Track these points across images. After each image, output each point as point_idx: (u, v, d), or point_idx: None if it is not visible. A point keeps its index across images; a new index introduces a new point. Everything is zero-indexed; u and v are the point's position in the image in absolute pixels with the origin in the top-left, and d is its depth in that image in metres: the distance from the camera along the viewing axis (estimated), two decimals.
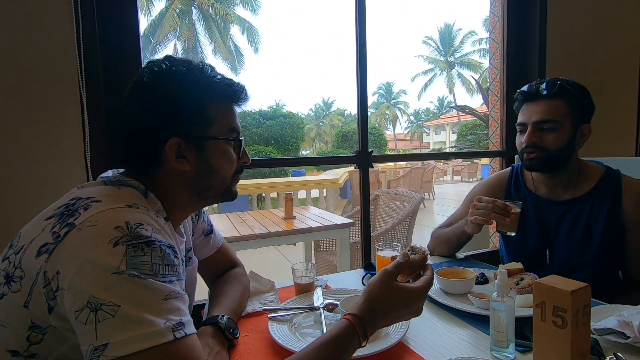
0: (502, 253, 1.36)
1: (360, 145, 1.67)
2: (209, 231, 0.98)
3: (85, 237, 0.54)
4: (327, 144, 37.63)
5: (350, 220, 2.81)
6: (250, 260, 4.35)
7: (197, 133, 0.68)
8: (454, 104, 36.51)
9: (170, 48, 21.48)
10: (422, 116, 44.78)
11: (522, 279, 0.96)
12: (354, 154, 1.68)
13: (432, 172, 10.41)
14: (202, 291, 0.99)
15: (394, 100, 43.22)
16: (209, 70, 0.70)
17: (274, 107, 30.88)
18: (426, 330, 0.83)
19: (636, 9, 2.11)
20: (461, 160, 17.42)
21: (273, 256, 4.80)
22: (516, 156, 1.20)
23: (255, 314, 0.92)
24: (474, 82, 30.07)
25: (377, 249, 1.06)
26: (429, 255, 0.76)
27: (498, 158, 2.29)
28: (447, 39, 35.75)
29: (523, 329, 0.77)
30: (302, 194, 6.92)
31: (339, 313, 0.84)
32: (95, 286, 0.51)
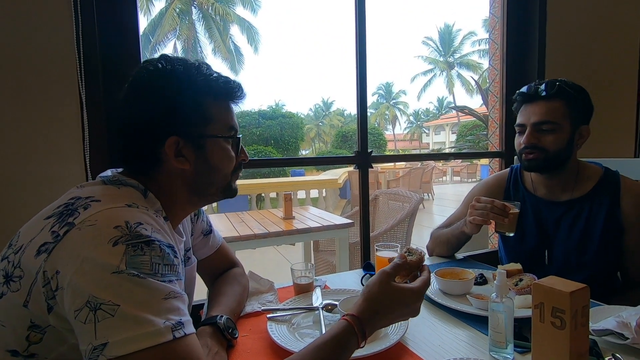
0: (501, 254, 1.36)
1: (359, 145, 1.67)
2: (208, 231, 0.98)
3: (84, 237, 0.54)
4: (326, 144, 37.63)
5: (349, 221, 2.81)
6: (249, 260, 4.35)
7: (195, 131, 0.69)
8: (453, 105, 36.50)
9: (170, 48, 21.51)
10: (422, 116, 44.82)
11: (521, 280, 0.96)
12: (353, 154, 1.69)
13: (431, 173, 10.41)
14: (201, 291, 0.99)
15: (394, 101, 43.25)
16: (205, 69, 0.70)
17: (274, 107, 30.87)
18: (425, 331, 0.84)
19: (636, 10, 2.11)
20: (460, 160, 17.43)
21: (272, 256, 4.80)
22: (515, 157, 1.21)
23: (254, 314, 0.92)
24: (473, 83, 30.09)
25: (376, 250, 1.06)
26: (425, 257, 0.76)
27: (497, 159, 2.30)
28: (446, 39, 35.78)
29: (522, 330, 0.77)
30: (301, 194, 6.93)
31: (338, 313, 0.84)
32: (95, 285, 0.51)
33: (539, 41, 1.89)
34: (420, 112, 45.27)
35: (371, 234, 2.06)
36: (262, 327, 0.84)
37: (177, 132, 0.67)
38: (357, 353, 0.67)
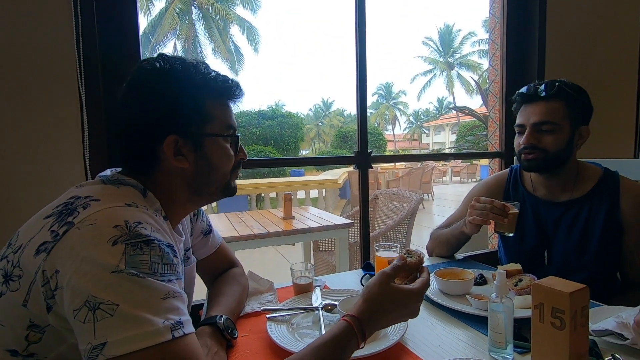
0: (500, 254, 1.36)
1: (359, 145, 1.67)
2: (208, 231, 0.98)
3: (84, 236, 0.54)
4: (326, 144, 37.64)
5: (349, 221, 2.81)
6: (249, 260, 4.35)
7: (194, 130, 0.69)
8: (453, 105, 36.53)
9: (170, 47, 21.51)
10: (422, 117, 44.84)
11: (520, 280, 0.96)
12: (353, 155, 1.69)
13: (431, 173, 10.41)
14: (200, 291, 0.99)
15: (394, 101, 43.27)
16: (204, 68, 0.70)
17: (274, 107, 30.89)
18: (425, 331, 0.84)
19: (636, 10, 2.12)
20: (460, 161, 17.42)
21: (272, 256, 4.79)
22: (515, 157, 1.21)
23: (253, 314, 0.92)
24: (473, 83, 30.12)
25: (376, 250, 1.06)
26: (424, 259, 0.77)
27: (497, 159, 2.30)
28: (446, 39, 35.81)
29: (521, 330, 0.77)
30: (301, 194, 6.93)
31: (338, 313, 0.84)
32: (94, 285, 0.51)
33: (539, 41, 1.89)
34: (420, 113, 45.31)
35: (371, 234, 2.06)
36: (261, 327, 0.84)
37: (176, 131, 0.67)
38: (357, 353, 0.67)
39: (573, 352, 0.61)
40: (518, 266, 1.04)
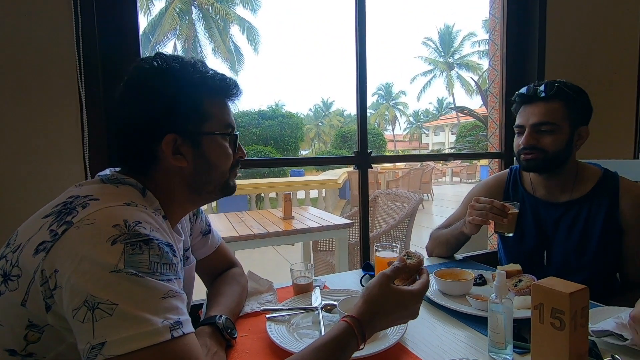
0: (500, 254, 1.37)
1: (359, 145, 1.67)
2: (207, 231, 0.98)
3: (83, 235, 0.54)
4: (326, 144, 37.65)
5: (349, 221, 2.80)
6: (248, 260, 4.35)
7: (192, 129, 0.69)
8: (453, 105, 36.57)
9: (170, 47, 21.52)
10: (422, 117, 44.86)
11: (520, 281, 0.96)
12: (353, 155, 1.68)
13: (431, 173, 10.42)
14: (200, 291, 0.98)
15: (394, 101, 43.30)
16: (201, 66, 0.70)
17: (274, 107, 30.89)
18: (424, 332, 0.83)
19: (636, 10, 2.12)
20: (460, 161, 17.42)
21: (271, 256, 4.79)
22: (514, 158, 1.21)
23: (253, 314, 0.92)
24: (473, 84, 30.14)
25: (376, 250, 1.06)
26: (424, 260, 0.77)
27: (497, 159, 2.30)
28: (446, 40, 35.83)
29: (521, 331, 0.77)
30: (301, 194, 6.93)
31: (337, 314, 0.84)
32: (93, 284, 0.51)
33: (539, 42, 1.89)
34: (420, 113, 45.33)
35: (370, 235, 2.06)
36: (261, 327, 0.84)
37: (174, 130, 0.67)
38: (357, 354, 0.67)
39: (573, 352, 0.61)
40: (518, 267, 1.04)
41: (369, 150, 1.67)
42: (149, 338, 0.50)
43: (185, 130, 0.68)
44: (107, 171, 0.71)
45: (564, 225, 1.16)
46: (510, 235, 1.11)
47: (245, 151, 0.79)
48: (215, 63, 23.04)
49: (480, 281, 1.08)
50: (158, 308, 0.52)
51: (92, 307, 0.50)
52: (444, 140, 38.22)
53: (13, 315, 0.57)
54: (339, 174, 7.86)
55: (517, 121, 1.16)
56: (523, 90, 1.15)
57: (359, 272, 1.23)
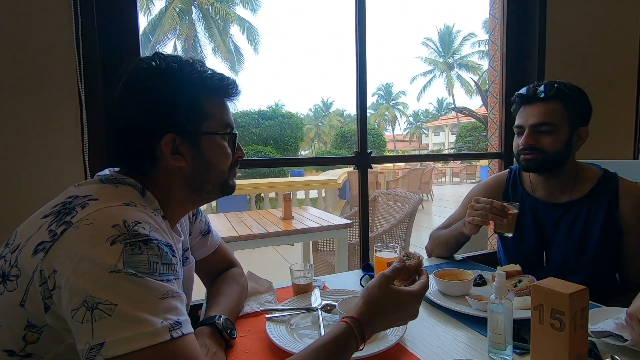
0: (500, 255, 1.36)
1: (359, 145, 1.67)
2: (207, 231, 0.97)
3: (82, 235, 0.54)
4: (326, 144, 37.66)
5: (348, 221, 2.80)
6: (248, 260, 4.35)
7: (191, 128, 0.69)
8: (453, 106, 36.60)
9: (169, 47, 21.52)
10: (421, 117, 44.87)
11: (520, 281, 0.96)
12: (353, 155, 1.68)
13: (430, 174, 10.42)
14: (199, 291, 0.98)
15: (393, 101, 43.31)
16: (200, 66, 0.70)
17: (273, 107, 30.88)
18: (424, 332, 0.83)
19: (635, 11, 2.12)
20: (460, 161, 17.43)
21: (271, 256, 4.79)
22: (514, 158, 1.22)
23: (252, 314, 0.92)
24: (473, 84, 30.16)
25: (375, 250, 1.06)
26: (423, 261, 0.77)
27: (497, 160, 2.30)
28: (446, 40, 35.85)
29: (521, 331, 0.77)
30: (300, 195, 6.93)
31: (337, 314, 0.84)
32: (92, 285, 0.50)
33: (538, 42, 1.89)
34: (419, 113, 45.33)
35: (370, 235, 2.06)
36: (260, 328, 0.84)
37: (173, 130, 0.67)
38: (356, 354, 0.67)
39: (572, 353, 0.61)
40: (517, 267, 1.04)
41: (368, 151, 1.67)
42: (148, 338, 0.50)
43: (184, 130, 0.68)
44: (106, 171, 0.71)
45: (564, 225, 1.16)
46: (510, 235, 1.11)
47: (244, 151, 0.79)
48: (215, 63, 23.06)
49: (480, 282, 1.07)
50: (157, 308, 0.52)
51: (91, 307, 0.50)
52: (444, 140, 38.23)
53: (12, 316, 0.57)
54: (339, 174, 7.86)
55: (517, 122, 1.16)
56: (523, 90, 1.15)
57: (358, 273, 1.23)
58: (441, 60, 36.46)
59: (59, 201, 0.61)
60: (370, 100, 43.66)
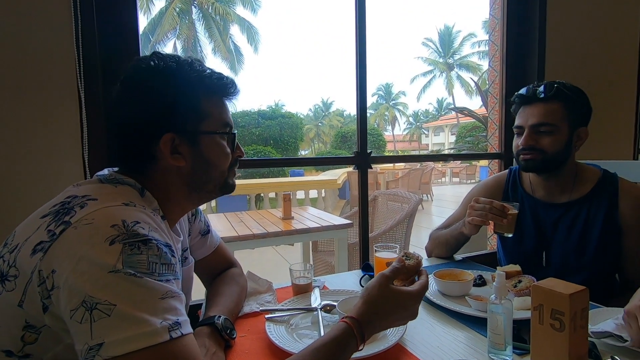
0: (499, 255, 1.36)
1: (359, 146, 1.67)
2: (206, 231, 0.97)
3: (81, 236, 0.54)
4: (326, 144, 37.67)
5: (348, 221, 2.80)
6: (248, 260, 4.35)
7: (190, 128, 0.68)
8: (453, 106, 36.60)
9: (169, 47, 21.53)
10: (421, 117, 44.88)
11: (520, 282, 0.96)
12: (352, 155, 1.68)
13: (430, 174, 10.42)
14: (199, 291, 0.98)
15: (393, 102, 43.32)
16: (198, 65, 0.70)
17: (273, 107, 30.87)
18: (424, 332, 0.83)
19: (635, 11, 2.12)
20: (460, 162, 17.42)
21: (271, 256, 4.79)
22: (514, 159, 1.22)
23: (252, 314, 0.92)
24: (473, 84, 30.17)
25: (375, 250, 1.06)
26: (423, 261, 0.77)
27: (496, 160, 2.30)
28: (446, 40, 35.86)
29: (520, 332, 0.77)
30: (300, 195, 6.93)
31: (337, 314, 0.84)
32: (91, 285, 0.50)
33: (538, 43, 1.90)
34: (419, 113, 45.34)
35: (370, 235, 2.06)
36: (260, 328, 0.84)
37: (172, 129, 0.66)
38: (356, 354, 0.67)
39: (572, 354, 0.61)
40: (517, 267, 1.04)
41: (368, 151, 1.67)
42: (148, 339, 0.50)
43: (183, 130, 0.67)
44: (106, 171, 0.71)
45: (563, 226, 1.16)
46: (510, 235, 1.11)
47: (243, 150, 0.79)
48: (215, 63, 23.06)
49: (480, 282, 1.07)
50: (156, 309, 0.52)
51: (90, 307, 0.49)
52: (444, 140, 38.24)
53: (10, 316, 0.57)
54: (339, 174, 7.86)
55: (517, 122, 1.16)
56: (522, 91, 1.15)
57: (358, 273, 1.23)
58: (441, 60, 36.47)
59: (58, 201, 0.61)
60: (370, 100, 43.71)
